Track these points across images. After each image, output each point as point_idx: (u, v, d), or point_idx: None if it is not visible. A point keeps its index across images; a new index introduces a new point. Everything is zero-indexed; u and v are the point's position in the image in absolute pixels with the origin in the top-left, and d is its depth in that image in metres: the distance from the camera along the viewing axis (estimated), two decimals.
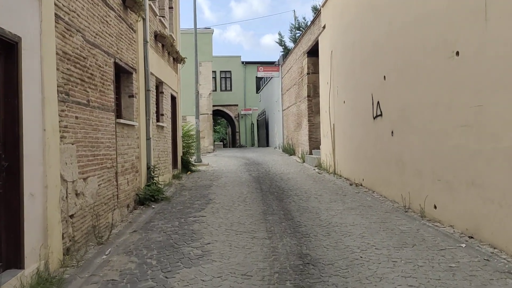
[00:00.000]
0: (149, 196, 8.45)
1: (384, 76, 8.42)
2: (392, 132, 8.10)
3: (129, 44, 8.04)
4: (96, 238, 5.64)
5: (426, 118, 6.63)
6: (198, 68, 27.14)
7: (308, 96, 16.71)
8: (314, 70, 16.67)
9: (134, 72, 8.31)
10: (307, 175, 12.49)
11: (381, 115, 8.70)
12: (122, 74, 8.09)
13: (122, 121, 7.37)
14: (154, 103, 10.19)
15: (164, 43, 10.81)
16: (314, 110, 16.69)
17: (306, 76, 16.77)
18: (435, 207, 6.38)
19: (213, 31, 27.26)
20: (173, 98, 13.46)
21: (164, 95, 11.41)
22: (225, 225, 6.50)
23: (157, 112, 11.03)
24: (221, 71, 41.07)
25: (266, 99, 31.84)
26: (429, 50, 6.46)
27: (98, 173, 6.07)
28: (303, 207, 7.67)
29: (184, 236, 5.92)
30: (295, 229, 6.10)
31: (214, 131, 57.88)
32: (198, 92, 17.04)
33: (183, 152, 14.29)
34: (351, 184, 10.33)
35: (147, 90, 9.06)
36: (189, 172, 14.01)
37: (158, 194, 8.72)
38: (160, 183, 9.58)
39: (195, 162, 16.38)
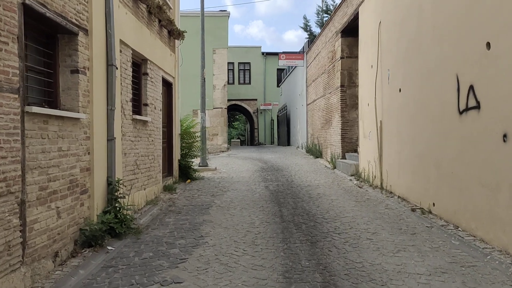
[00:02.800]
0: (104, 231, 5.35)
1: (488, 44, 5.09)
2: (504, 136, 4.77)
3: None
4: None
5: None
6: (212, 56, 24.15)
7: (342, 86, 13.38)
8: (349, 53, 13.33)
9: (82, 34, 5.19)
10: (344, 190, 9.20)
11: (477, 107, 5.37)
12: (59, 35, 4.99)
13: (43, 110, 4.27)
14: (129, 87, 7.08)
15: (148, 3, 7.68)
16: (349, 103, 13.36)
17: (340, 61, 13.43)
18: None
19: (229, 14, 24.09)
20: (168, 85, 10.34)
21: (150, 78, 8.29)
22: None
23: (138, 101, 7.93)
24: (239, 63, 37.98)
25: (288, 93, 28.55)
26: None
27: None
28: (354, 264, 4.42)
29: None
30: None
31: (232, 127, 54.88)
32: (204, 79, 13.87)
33: (181, 155, 11.17)
34: (413, 210, 7.02)
35: (109, 65, 5.94)
36: (189, 180, 10.89)
37: (120, 227, 5.61)
38: (130, 206, 6.45)
39: (200, 166, 13.26)
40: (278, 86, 36.47)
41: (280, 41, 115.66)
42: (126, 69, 6.89)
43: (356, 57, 13.22)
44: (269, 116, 38.19)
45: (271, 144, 36.88)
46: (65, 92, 5.10)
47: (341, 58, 13.33)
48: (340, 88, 13.39)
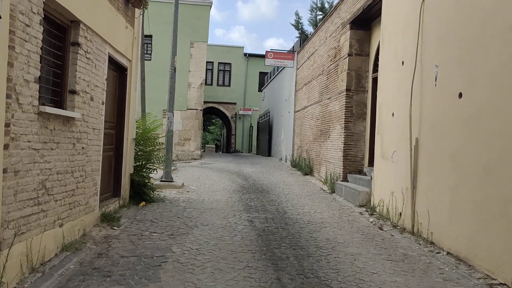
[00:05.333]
0: None
1: None
2: None
3: None
4: None
5: None
6: (189, 50, 21.23)
7: (348, 89, 10.73)
8: (359, 50, 10.72)
9: None
10: (363, 234, 6.45)
11: None
12: None
13: None
14: (37, 57, 4.13)
15: None
16: (355, 112, 10.73)
17: (346, 59, 10.79)
18: None
19: (212, 3, 21.23)
20: (121, 70, 7.43)
21: (84, 53, 5.37)
22: None
23: (60, 85, 5.01)
24: (219, 63, 35.17)
25: (272, 98, 25.88)
26: None
27: None
28: None
29: None
30: None
31: (208, 131, 51.68)
32: (174, 70, 10.95)
33: (135, 167, 8.22)
34: None
35: None
36: (143, 203, 7.96)
37: None
38: None
39: (162, 181, 10.31)
40: (260, 90, 33.81)
41: (261, 48, 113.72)
42: (29, 26, 3.97)
43: (367, 55, 10.67)
44: (248, 122, 35.44)
45: (249, 152, 34.08)
46: None
47: (348, 55, 10.69)
48: (345, 93, 10.73)
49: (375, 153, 8.53)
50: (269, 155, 25.15)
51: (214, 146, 42.77)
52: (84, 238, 5.42)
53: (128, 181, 7.87)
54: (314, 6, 25.16)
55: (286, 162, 19.42)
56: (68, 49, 5.12)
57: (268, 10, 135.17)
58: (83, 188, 5.60)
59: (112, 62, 6.80)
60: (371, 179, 8.60)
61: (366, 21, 10.50)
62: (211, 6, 21.33)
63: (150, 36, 20.23)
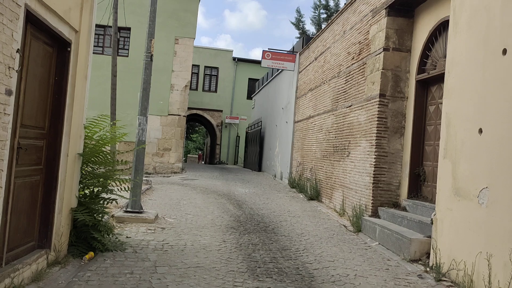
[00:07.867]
0: None
1: None
2: None
3: None
4: None
5: None
6: (174, 47, 18.49)
7: (382, 95, 8.12)
8: (398, 43, 8.16)
9: None
10: None
11: None
12: None
13: None
14: None
15: None
16: (390, 124, 8.12)
17: (381, 55, 8.20)
18: None
19: None
20: (59, 43, 4.62)
21: None
22: None
23: None
24: (205, 67, 32.51)
25: (265, 105, 23.23)
26: None
27: None
28: None
29: None
30: None
31: (190, 139, 48.59)
32: (151, 57, 8.06)
33: (82, 198, 5.37)
34: None
35: None
36: (91, 254, 5.11)
37: None
38: None
39: (127, 211, 7.44)
40: (249, 98, 31.21)
41: (248, 57, 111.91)
42: None
43: (409, 51, 8.16)
44: (235, 132, 32.73)
45: (235, 164, 31.31)
46: None
47: (384, 49, 8.10)
48: (378, 99, 8.11)
49: (438, 185, 5.88)
50: (260, 169, 22.39)
51: (197, 156, 39.95)
52: None
53: (68, 220, 5.02)
54: (318, 3, 22.66)
55: (281, 180, 16.71)
56: None
57: (255, 20, 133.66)
58: None
59: (41, 26, 4.03)
60: (432, 223, 5.94)
61: (408, 6, 7.98)
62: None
63: (128, 29, 17.46)
